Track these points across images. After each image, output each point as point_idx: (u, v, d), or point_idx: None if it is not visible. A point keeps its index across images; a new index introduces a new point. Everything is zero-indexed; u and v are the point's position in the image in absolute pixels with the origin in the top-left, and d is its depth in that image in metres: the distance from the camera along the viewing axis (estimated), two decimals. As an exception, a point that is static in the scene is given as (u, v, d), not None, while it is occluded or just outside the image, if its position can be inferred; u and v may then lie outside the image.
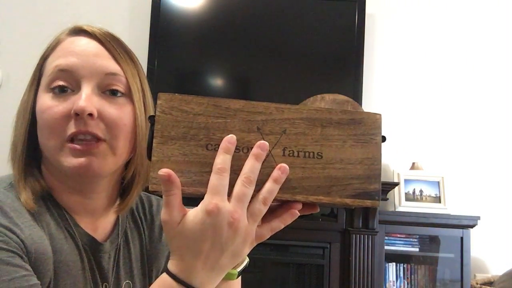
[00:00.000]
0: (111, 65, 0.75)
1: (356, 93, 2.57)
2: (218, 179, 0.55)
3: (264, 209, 0.57)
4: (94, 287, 0.76)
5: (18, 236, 0.66)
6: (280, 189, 0.57)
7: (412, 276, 2.42)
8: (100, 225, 0.80)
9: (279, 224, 0.60)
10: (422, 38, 2.79)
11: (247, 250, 0.60)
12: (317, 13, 2.66)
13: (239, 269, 0.68)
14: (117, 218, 0.83)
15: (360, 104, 2.52)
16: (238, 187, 0.56)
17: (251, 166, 0.56)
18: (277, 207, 0.61)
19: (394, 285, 2.40)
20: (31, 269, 0.66)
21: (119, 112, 0.74)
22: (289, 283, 2.34)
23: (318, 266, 2.26)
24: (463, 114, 2.75)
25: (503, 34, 2.81)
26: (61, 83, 0.73)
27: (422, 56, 2.78)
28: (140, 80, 0.78)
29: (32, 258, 0.66)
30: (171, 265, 0.59)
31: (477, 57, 2.79)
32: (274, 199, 0.58)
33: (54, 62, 0.75)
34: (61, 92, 0.73)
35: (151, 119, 0.58)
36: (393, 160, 2.67)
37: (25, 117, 0.75)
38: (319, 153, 0.58)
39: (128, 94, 0.76)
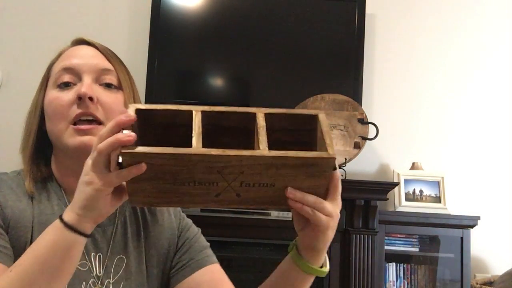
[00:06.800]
0: (106, 64, 0.92)
1: (356, 93, 2.56)
2: None
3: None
4: (85, 254, 0.87)
5: (0, 206, 0.84)
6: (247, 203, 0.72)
7: (412, 276, 2.42)
8: None
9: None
10: (422, 38, 2.79)
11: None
12: (317, 13, 2.66)
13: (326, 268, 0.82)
14: None
15: (360, 104, 2.52)
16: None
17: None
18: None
19: (394, 285, 2.40)
20: (3, 233, 0.83)
21: (114, 100, 0.90)
22: (289, 283, 2.34)
23: (318, 266, 2.26)
24: (463, 114, 2.75)
25: (504, 34, 2.81)
26: (65, 79, 0.89)
27: (422, 56, 2.78)
28: (128, 76, 0.95)
29: (7, 223, 0.84)
30: (66, 215, 0.72)
31: (477, 57, 2.79)
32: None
33: (59, 65, 0.91)
34: (65, 86, 0.89)
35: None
36: (393, 160, 2.67)
37: (36, 114, 0.91)
38: (272, 184, 0.68)
39: (119, 87, 0.92)
